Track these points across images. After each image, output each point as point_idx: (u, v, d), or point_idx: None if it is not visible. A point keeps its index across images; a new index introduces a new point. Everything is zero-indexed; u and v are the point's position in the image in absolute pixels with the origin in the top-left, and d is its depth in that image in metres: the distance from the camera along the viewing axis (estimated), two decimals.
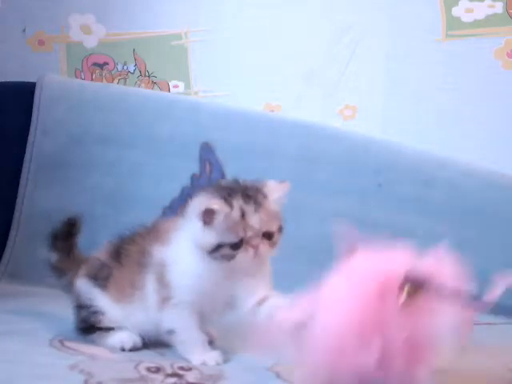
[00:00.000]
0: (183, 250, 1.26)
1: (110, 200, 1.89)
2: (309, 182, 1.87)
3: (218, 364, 1.25)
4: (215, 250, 1.22)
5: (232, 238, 1.22)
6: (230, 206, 1.22)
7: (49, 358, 1.25)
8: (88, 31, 2.07)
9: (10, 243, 1.88)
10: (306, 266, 1.83)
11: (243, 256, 1.22)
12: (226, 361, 1.26)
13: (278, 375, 1.20)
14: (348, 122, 2.04)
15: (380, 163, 1.87)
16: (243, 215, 1.22)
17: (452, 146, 1.99)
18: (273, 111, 2.05)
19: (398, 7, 2.02)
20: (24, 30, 2.06)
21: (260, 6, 2.05)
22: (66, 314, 1.45)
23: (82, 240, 1.76)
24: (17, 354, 1.27)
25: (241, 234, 1.22)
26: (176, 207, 1.86)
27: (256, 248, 1.23)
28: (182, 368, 1.21)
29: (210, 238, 1.22)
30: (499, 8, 2.01)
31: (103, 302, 1.33)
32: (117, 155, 1.91)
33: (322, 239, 1.84)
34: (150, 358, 1.27)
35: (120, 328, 1.32)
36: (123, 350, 1.30)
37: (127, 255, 1.32)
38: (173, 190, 1.88)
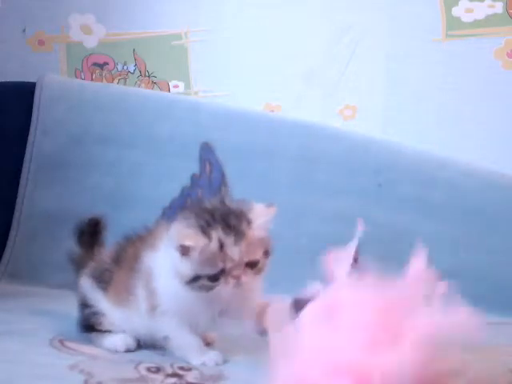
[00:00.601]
0: (166, 265, 1.22)
1: (110, 200, 1.89)
2: (309, 182, 1.87)
3: (217, 364, 1.24)
4: (193, 281, 1.18)
5: (210, 271, 1.17)
6: (208, 237, 1.17)
7: (49, 358, 1.25)
8: (88, 31, 2.07)
9: (9, 243, 1.88)
10: (307, 266, 1.84)
11: (223, 287, 1.18)
12: (225, 361, 1.26)
13: None
14: (348, 121, 2.04)
15: (380, 163, 1.87)
16: (222, 247, 1.17)
17: (452, 146, 1.98)
18: (273, 111, 2.05)
19: (398, 7, 2.02)
20: (24, 30, 2.06)
21: (260, 5, 2.04)
22: (66, 314, 1.45)
23: None
24: (17, 354, 1.27)
25: (220, 266, 1.17)
26: (176, 207, 1.86)
27: (237, 279, 1.18)
28: (181, 368, 1.21)
29: (187, 269, 1.18)
30: (499, 8, 2.00)
31: (104, 304, 1.33)
32: (117, 155, 1.91)
33: (322, 239, 1.84)
34: (150, 358, 1.27)
35: (117, 331, 1.32)
36: (116, 352, 1.31)
37: (125, 258, 1.32)
38: (173, 190, 1.88)
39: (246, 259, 1.18)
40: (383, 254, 1.82)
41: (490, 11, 2.01)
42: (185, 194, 1.87)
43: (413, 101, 2.02)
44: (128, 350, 1.31)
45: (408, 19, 2.02)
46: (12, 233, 1.88)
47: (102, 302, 1.33)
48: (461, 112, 2.01)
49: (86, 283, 1.36)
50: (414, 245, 1.83)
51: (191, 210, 1.24)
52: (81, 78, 2.07)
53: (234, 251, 1.17)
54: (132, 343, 1.31)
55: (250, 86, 2.05)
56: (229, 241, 1.17)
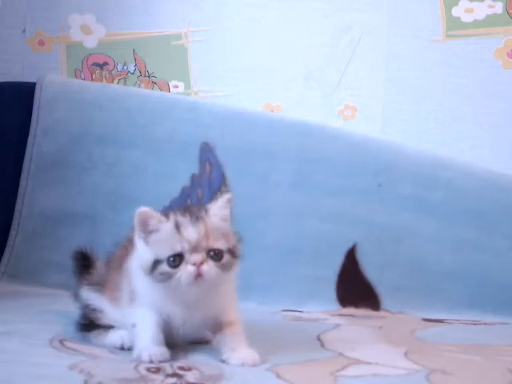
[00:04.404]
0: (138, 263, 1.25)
1: (110, 200, 1.89)
2: (309, 182, 1.87)
3: (160, 361, 1.22)
4: (153, 267, 1.19)
5: (167, 252, 1.18)
6: (165, 216, 1.20)
7: (49, 358, 1.25)
8: (88, 31, 2.07)
9: (9, 243, 1.88)
10: (306, 266, 1.84)
11: (184, 275, 1.17)
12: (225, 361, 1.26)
13: (278, 375, 1.20)
14: (348, 121, 2.04)
15: (380, 163, 1.87)
16: (178, 227, 1.19)
17: (452, 146, 1.99)
18: (273, 111, 2.05)
19: (398, 7, 2.02)
20: (24, 30, 2.06)
21: (260, 5, 2.04)
22: (66, 314, 1.45)
23: (81, 240, 1.77)
24: (17, 354, 1.27)
25: (177, 248, 1.18)
26: (176, 207, 1.86)
27: (198, 266, 1.17)
28: (181, 368, 1.21)
29: (148, 254, 1.20)
30: (499, 8, 2.01)
31: (102, 304, 1.34)
32: (117, 155, 1.91)
33: (322, 239, 1.85)
34: None
35: (119, 327, 1.33)
36: (122, 348, 1.31)
37: (114, 260, 1.34)
38: (173, 190, 1.88)
39: (205, 245, 1.19)
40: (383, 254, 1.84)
41: (490, 11, 2.01)
42: (185, 193, 1.87)
43: (413, 101, 2.03)
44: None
45: (408, 19, 2.02)
46: (12, 233, 1.88)
47: (100, 302, 1.34)
48: (461, 112, 2.01)
49: (84, 291, 1.38)
50: (413, 245, 1.84)
51: None
52: (81, 78, 2.07)
53: (191, 232, 1.18)
54: None
55: (250, 86, 2.05)
56: (185, 221, 1.19)
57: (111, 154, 1.91)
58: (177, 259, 1.18)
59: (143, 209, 1.21)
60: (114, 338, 1.32)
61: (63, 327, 1.42)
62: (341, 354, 1.36)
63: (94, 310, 1.34)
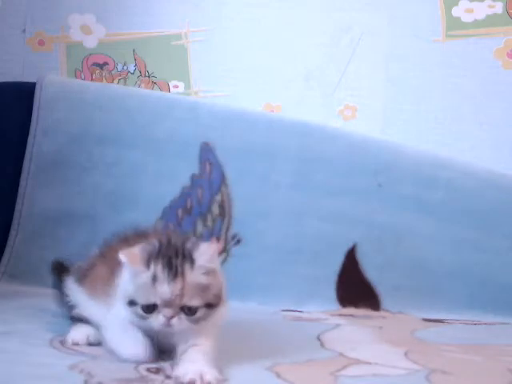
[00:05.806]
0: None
1: (110, 200, 1.89)
2: (309, 182, 1.87)
3: (149, 359, 1.22)
4: (130, 304, 1.19)
5: (142, 300, 1.18)
6: (147, 263, 1.18)
7: (49, 358, 1.24)
8: (88, 31, 2.07)
9: (9, 243, 1.88)
10: (306, 266, 1.84)
11: (155, 322, 1.18)
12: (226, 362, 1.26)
13: (278, 375, 1.20)
14: (348, 122, 2.04)
15: (380, 163, 1.87)
16: (154, 281, 1.17)
17: (452, 146, 1.99)
18: (273, 111, 2.05)
19: (398, 7, 2.02)
20: (24, 30, 2.06)
21: (260, 5, 2.05)
22: (66, 313, 1.45)
23: (81, 240, 1.77)
24: (16, 354, 1.27)
25: (151, 300, 1.18)
26: (176, 207, 1.86)
27: (168, 319, 1.17)
28: None
29: (129, 289, 1.19)
30: (499, 8, 2.01)
31: (79, 296, 1.35)
32: (117, 155, 1.91)
33: (322, 239, 1.85)
34: None
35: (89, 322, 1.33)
36: (90, 344, 1.30)
37: (110, 254, 1.32)
38: (173, 190, 1.88)
39: (179, 302, 1.18)
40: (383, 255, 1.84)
41: (490, 11, 2.01)
42: (185, 193, 1.87)
43: (413, 101, 2.03)
44: (90, 344, 1.31)
45: (408, 19, 2.02)
46: (12, 233, 1.88)
47: (77, 293, 1.35)
48: (461, 112, 2.01)
49: (67, 282, 1.39)
50: (413, 245, 1.85)
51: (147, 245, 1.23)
52: (81, 78, 2.07)
53: (165, 289, 1.17)
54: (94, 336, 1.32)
55: (250, 86, 2.05)
56: (162, 277, 1.17)
57: (111, 154, 1.91)
58: (150, 307, 1.18)
59: (130, 251, 1.19)
60: (71, 334, 1.33)
61: (63, 327, 1.42)
62: (341, 354, 1.36)
63: (69, 302, 1.36)
